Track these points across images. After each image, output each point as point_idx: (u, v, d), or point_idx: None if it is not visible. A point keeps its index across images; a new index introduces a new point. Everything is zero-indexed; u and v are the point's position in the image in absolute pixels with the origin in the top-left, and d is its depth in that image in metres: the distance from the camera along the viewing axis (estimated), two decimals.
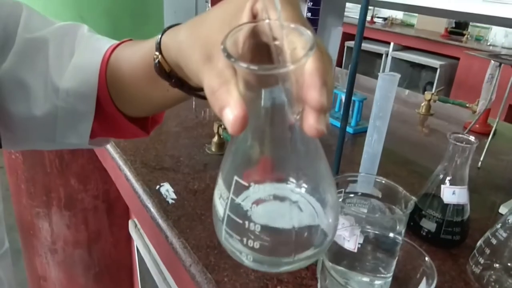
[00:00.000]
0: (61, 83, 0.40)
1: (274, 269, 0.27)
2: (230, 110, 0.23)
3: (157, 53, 0.34)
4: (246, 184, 0.25)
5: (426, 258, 0.38)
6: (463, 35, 3.05)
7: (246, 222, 0.25)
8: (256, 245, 0.25)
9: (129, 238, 1.21)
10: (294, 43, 0.23)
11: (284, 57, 0.23)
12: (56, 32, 0.42)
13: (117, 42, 0.42)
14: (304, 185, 0.26)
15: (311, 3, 0.73)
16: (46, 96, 0.41)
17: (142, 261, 0.90)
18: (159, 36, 0.34)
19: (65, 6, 0.95)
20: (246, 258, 0.26)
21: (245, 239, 0.25)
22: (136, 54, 0.39)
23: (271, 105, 0.25)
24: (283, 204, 0.26)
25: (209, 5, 1.64)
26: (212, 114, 1.02)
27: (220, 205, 0.27)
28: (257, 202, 0.25)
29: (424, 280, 0.37)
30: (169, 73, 0.34)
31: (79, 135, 0.43)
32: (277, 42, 0.23)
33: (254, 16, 0.26)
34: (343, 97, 0.96)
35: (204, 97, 0.36)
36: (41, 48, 0.41)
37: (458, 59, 2.92)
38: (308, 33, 0.23)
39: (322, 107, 0.23)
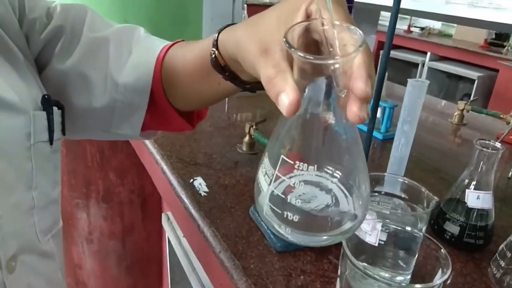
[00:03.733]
0: (120, 78, 0.45)
1: (307, 242, 0.31)
2: (286, 95, 0.27)
3: (214, 49, 0.38)
4: (292, 162, 0.28)
5: (442, 250, 0.39)
6: (503, 46, 2.97)
7: (288, 197, 0.28)
8: (295, 218, 0.29)
9: (160, 233, 1.26)
10: (345, 39, 0.27)
11: (335, 52, 0.27)
12: (116, 32, 0.47)
13: (170, 42, 0.47)
14: (342, 171, 0.29)
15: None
16: (106, 90, 0.45)
17: (172, 252, 0.95)
18: (216, 34, 0.38)
19: (112, 11, 1.01)
20: (285, 231, 0.30)
21: (285, 213, 0.29)
22: (191, 52, 0.43)
23: (318, 97, 0.29)
24: (322, 186, 0.29)
25: (245, 12, 1.69)
26: (244, 116, 1.06)
27: (264, 181, 0.30)
28: (300, 180, 0.28)
29: (440, 271, 0.39)
30: (223, 67, 0.39)
31: (132, 127, 0.48)
32: (327, 38, 0.27)
33: (308, 16, 0.30)
34: (372, 103, 0.97)
35: (251, 90, 0.41)
36: (103, 46, 0.46)
37: (497, 71, 2.84)
38: (359, 32, 0.26)
39: (366, 96, 0.26)
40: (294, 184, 0.28)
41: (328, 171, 0.29)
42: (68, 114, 0.44)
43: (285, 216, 0.29)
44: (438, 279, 0.38)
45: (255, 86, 0.41)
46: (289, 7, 0.31)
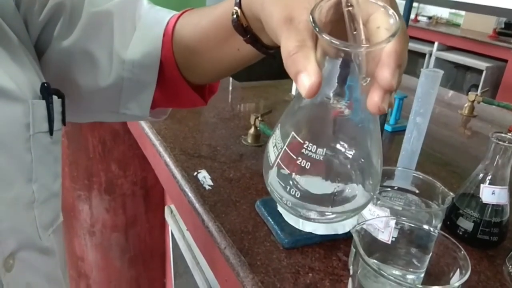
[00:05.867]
0: (126, 55, 0.43)
1: (308, 215, 0.30)
2: (307, 75, 0.24)
3: (236, 8, 0.35)
4: (301, 141, 0.27)
5: (461, 250, 0.37)
6: None
7: (293, 174, 0.27)
8: (297, 194, 0.28)
9: (163, 225, 1.24)
10: (378, 21, 0.24)
11: (359, 35, 0.24)
12: (118, 5, 0.44)
13: (177, 12, 0.44)
14: (353, 152, 0.28)
15: None
16: (112, 67, 0.43)
17: (176, 246, 0.93)
18: None
19: None
20: (286, 203, 0.29)
21: (288, 187, 0.28)
22: (206, 17, 0.40)
23: (339, 79, 0.27)
24: (330, 165, 0.28)
25: None
26: (248, 107, 1.03)
27: (273, 153, 0.29)
28: (307, 159, 0.27)
29: (457, 272, 0.37)
30: (245, 28, 0.35)
31: (141, 106, 0.46)
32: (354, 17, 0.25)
33: None
34: None
35: (273, 55, 0.38)
36: (106, 20, 0.43)
37: (506, 61, 2.80)
38: (396, 17, 0.24)
39: (391, 88, 0.24)
40: (300, 163, 0.27)
41: (340, 151, 0.28)
42: (73, 96, 0.43)
43: (287, 190, 0.28)
44: (457, 281, 0.35)
45: (278, 50, 0.38)
46: None
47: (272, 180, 0.30)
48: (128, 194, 1.20)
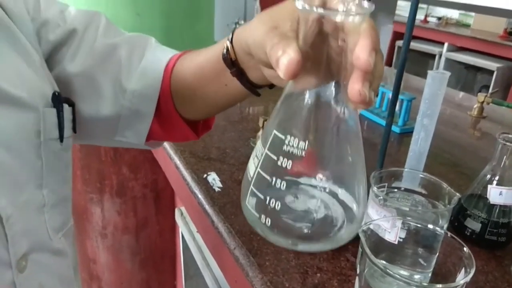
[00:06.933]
0: (128, 85, 0.45)
1: (288, 242, 0.29)
2: (286, 55, 0.26)
3: (228, 42, 0.38)
4: (283, 137, 0.27)
5: (465, 249, 0.38)
6: None
7: (274, 178, 0.27)
8: (278, 206, 0.27)
9: (173, 227, 1.26)
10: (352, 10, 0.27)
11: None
12: (128, 40, 0.47)
13: (179, 52, 0.47)
14: (332, 172, 0.28)
15: None
16: (114, 96, 0.45)
17: (186, 247, 0.94)
18: (232, 32, 0.39)
19: (124, 4, 1.00)
20: (264, 221, 0.29)
21: (268, 198, 0.28)
22: (202, 55, 0.43)
23: (319, 93, 0.27)
24: (312, 162, 0.28)
25: (258, 3, 1.67)
26: (257, 109, 1.04)
27: (253, 164, 0.29)
28: (288, 156, 0.27)
29: (462, 270, 0.37)
30: (233, 62, 0.38)
31: (137, 135, 0.48)
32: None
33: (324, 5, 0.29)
34: (391, 95, 0.95)
35: (258, 93, 0.40)
36: (114, 53, 0.46)
37: None
38: (369, 4, 0.26)
39: (368, 68, 0.24)
40: (281, 164, 0.27)
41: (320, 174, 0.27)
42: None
43: (267, 202, 0.28)
44: (461, 279, 0.36)
45: (260, 87, 0.40)
46: None
47: (250, 197, 0.29)
48: (139, 197, 1.22)
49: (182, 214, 0.95)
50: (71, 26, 0.45)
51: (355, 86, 0.25)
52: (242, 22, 1.60)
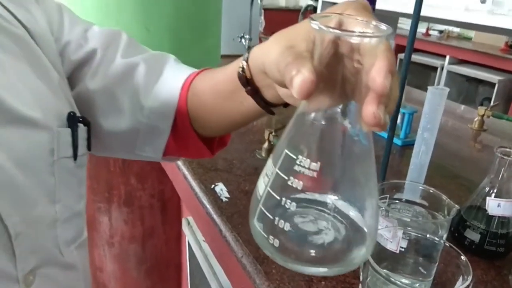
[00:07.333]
0: (146, 102, 0.47)
1: (297, 265, 0.28)
2: (300, 74, 0.26)
3: (244, 62, 0.39)
4: (294, 157, 0.27)
5: (462, 257, 0.40)
6: None
7: (284, 199, 0.27)
8: (287, 227, 0.27)
9: (179, 237, 1.28)
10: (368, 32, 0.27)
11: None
12: (148, 58, 0.49)
13: (197, 70, 0.48)
14: (344, 194, 0.28)
15: None
16: (133, 113, 0.47)
17: (192, 256, 0.96)
18: (248, 49, 0.40)
19: (135, 20, 1.04)
20: (273, 242, 0.28)
21: (277, 218, 0.27)
22: (220, 73, 0.44)
23: (332, 114, 0.28)
24: (324, 182, 0.28)
25: (262, 17, 1.71)
26: (263, 122, 1.07)
27: (263, 183, 0.29)
28: (299, 177, 0.27)
29: (460, 278, 0.39)
30: (248, 80, 0.39)
31: (155, 149, 0.50)
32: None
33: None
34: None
35: (272, 111, 0.42)
36: (134, 71, 0.48)
37: None
38: (387, 27, 0.26)
39: (384, 90, 0.24)
40: (292, 184, 0.27)
41: (331, 195, 0.27)
42: (93, 133, 0.46)
43: (276, 222, 0.27)
44: (459, 286, 0.38)
45: (274, 105, 0.41)
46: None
47: (259, 216, 0.28)
48: (146, 206, 1.24)
49: (189, 223, 0.98)
50: (93, 46, 0.47)
51: (370, 108, 0.25)
52: (247, 36, 1.64)
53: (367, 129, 0.26)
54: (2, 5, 0.39)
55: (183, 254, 1.23)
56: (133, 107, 0.47)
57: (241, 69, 0.39)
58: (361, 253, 0.28)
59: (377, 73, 0.25)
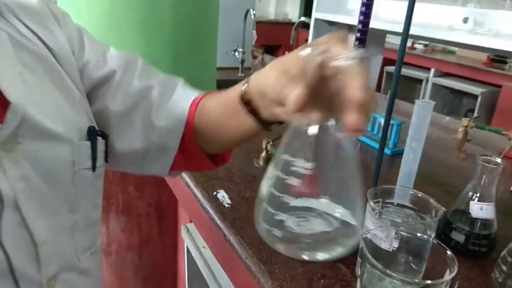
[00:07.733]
0: (157, 122, 0.51)
1: (295, 252, 0.35)
2: (294, 93, 0.33)
3: (245, 85, 0.45)
4: (291, 159, 0.34)
5: (448, 252, 0.44)
6: (505, 63, 3.04)
7: (284, 195, 0.33)
8: (287, 219, 0.33)
9: (175, 245, 1.30)
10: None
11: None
12: (161, 81, 0.53)
13: (203, 93, 0.53)
14: (335, 191, 0.35)
15: (359, 34, 0.81)
16: (145, 133, 0.51)
17: (191, 263, 0.99)
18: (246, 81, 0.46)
19: (136, 35, 1.08)
20: (274, 233, 0.34)
21: (279, 212, 0.33)
22: (221, 96, 0.50)
23: (322, 125, 0.35)
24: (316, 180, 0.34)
25: (254, 32, 1.76)
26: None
27: (266, 185, 0.35)
28: (296, 175, 0.33)
29: (447, 271, 0.44)
30: (248, 101, 0.45)
31: (162, 166, 0.54)
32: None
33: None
34: (382, 121, 1.03)
35: (269, 129, 0.48)
36: (148, 93, 0.52)
37: (500, 86, 2.90)
38: (361, 51, 0.33)
39: (361, 101, 0.32)
40: (290, 182, 0.34)
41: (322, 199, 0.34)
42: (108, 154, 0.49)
43: (278, 216, 0.34)
44: (447, 276, 0.43)
45: (271, 123, 0.47)
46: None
47: (264, 214, 0.34)
48: (143, 215, 1.27)
49: (188, 230, 1.01)
50: (112, 67, 0.50)
51: (350, 116, 0.32)
52: (241, 49, 1.69)
53: (349, 134, 0.33)
54: (28, 27, 0.42)
55: (180, 262, 1.25)
56: (145, 128, 0.51)
57: (243, 91, 0.45)
58: (349, 242, 0.35)
59: (355, 88, 0.32)
